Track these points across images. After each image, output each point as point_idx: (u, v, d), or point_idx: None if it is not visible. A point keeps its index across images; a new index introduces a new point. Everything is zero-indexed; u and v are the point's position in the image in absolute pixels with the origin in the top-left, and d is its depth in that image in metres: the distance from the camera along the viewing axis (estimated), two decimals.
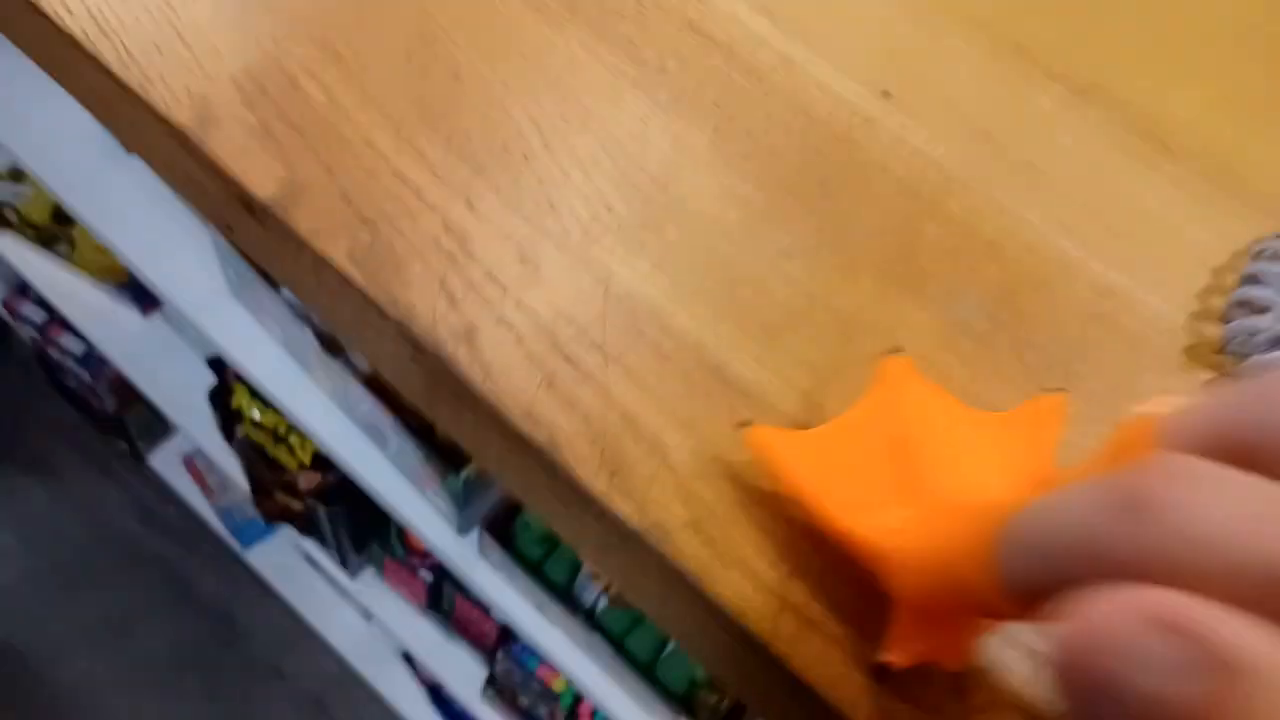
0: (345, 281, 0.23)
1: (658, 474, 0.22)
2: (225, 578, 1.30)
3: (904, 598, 0.19)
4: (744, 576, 0.21)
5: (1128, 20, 0.34)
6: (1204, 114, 0.32)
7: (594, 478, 0.22)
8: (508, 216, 0.25)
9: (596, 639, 0.63)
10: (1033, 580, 0.14)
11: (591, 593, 0.62)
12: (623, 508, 0.22)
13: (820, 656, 0.21)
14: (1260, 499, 0.12)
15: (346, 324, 0.25)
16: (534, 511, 0.25)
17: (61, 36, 0.26)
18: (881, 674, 0.20)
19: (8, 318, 1.27)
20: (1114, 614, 0.12)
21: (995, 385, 0.25)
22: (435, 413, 0.25)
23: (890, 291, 0.26)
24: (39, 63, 0.29)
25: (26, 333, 1.26)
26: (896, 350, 0.23)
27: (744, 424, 0.22)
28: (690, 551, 0.22)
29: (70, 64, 0.27)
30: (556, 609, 0.63)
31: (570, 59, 0.28)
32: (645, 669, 0.63)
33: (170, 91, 0.25)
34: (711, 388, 0.24)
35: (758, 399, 0.24)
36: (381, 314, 0.23)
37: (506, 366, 0.23)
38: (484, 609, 0.82)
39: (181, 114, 0.25)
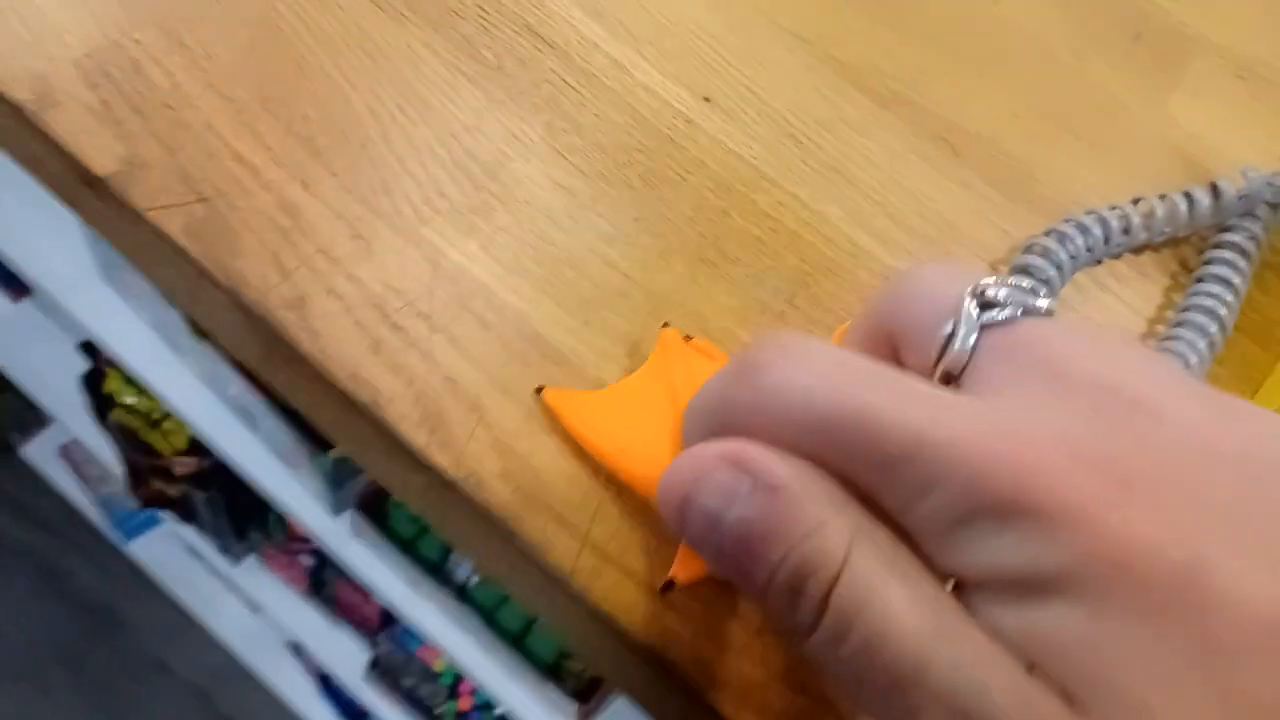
0: (180, 253, 0.25)
1: (475, 432, 0.25)
2: (105, 571, 1.26)
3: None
4: (549, 520, 0.24)
5: (934, 40, 0.38)
6: (995, 125, 0.36)
7: (414, 433, 0.24)
8: (342, 198, 0.27)
9: (468, 612, 0.65)
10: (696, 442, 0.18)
11: (463, 570, 0.64)
12: (440, 460, 0.24)
13: (614, 586, 0.24)
14: (832, 363, 0.16)
15: (184, 295, 0.27)
16: (364, 467, 0.27)
17: None
18: (667, 589, 0.23)
19: None
20: (695, 458, 0.16)
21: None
22: (274, 379, 0.27)
23: (700, 274, 0.29)
24: None
25: None
26: (667, 325, 0.26)
27: (539, 389, 0.25)
28: (501, 499, 0.24)
29: None
30: (429, 585, 0.65)
31: (411, 55, 0.30)
32: (515, 640, 0.66)
33: (10, 72, 0.26)
34: (530, 356, 0.26)
35: (574, 367, 0.26)
36: (215, 284, 0.25)
37: (335, 333, 0.25)
38: (364, 593, 0.83)
39: (21, 93, 0.26)
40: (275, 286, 0.25)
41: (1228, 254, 0.32)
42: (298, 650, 1.18)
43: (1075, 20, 0.42)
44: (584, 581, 0.23)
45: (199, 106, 0.27)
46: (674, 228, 0.30)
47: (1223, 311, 0.31)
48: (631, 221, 0.29)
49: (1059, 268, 0.30)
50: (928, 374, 0.17)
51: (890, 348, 0.19)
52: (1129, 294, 0.33)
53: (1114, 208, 0.33)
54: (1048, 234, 0.32)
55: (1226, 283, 0.32)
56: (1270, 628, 0.13)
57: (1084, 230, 0.32)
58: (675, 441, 0.23)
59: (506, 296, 0.27)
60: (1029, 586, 0.14)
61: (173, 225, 0.25)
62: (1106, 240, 0.32)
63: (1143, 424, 0.15)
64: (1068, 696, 0.14)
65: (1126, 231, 0.33)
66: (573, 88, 0.32)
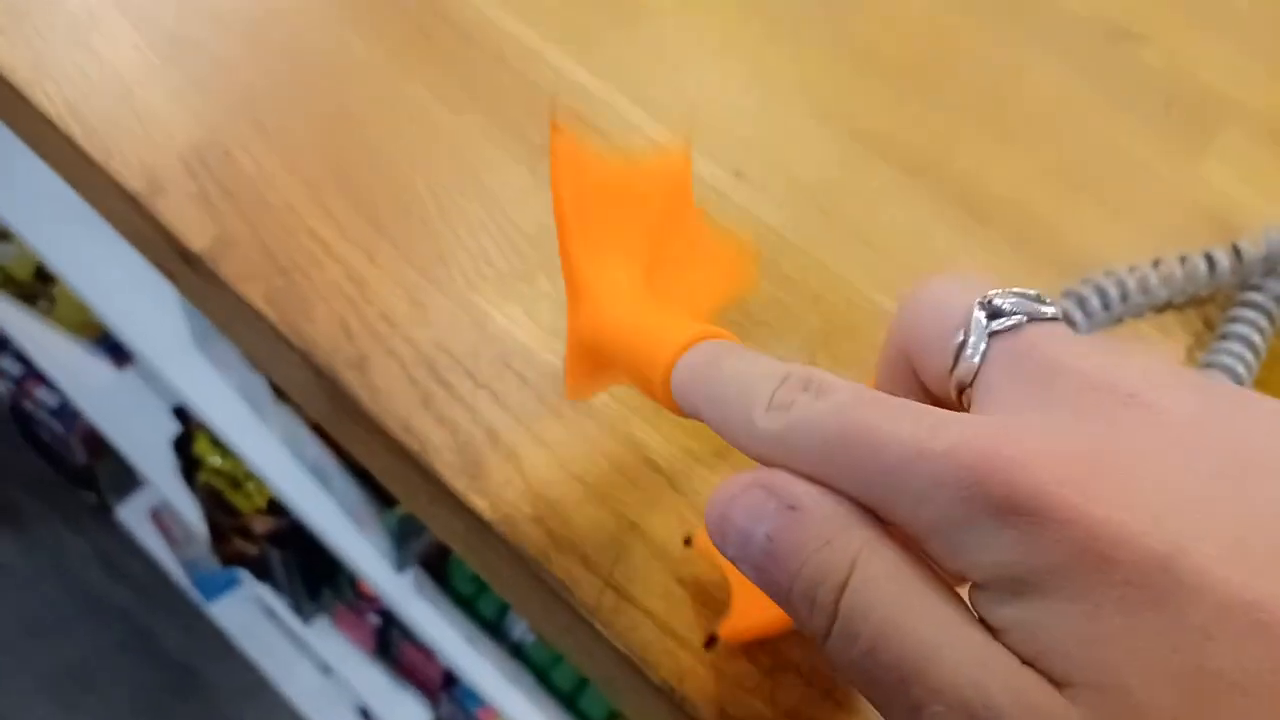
0: (261, 319, 0.28)
1: (511, 478, 0.27)
2: (188, 631, 1.31)
3: (577, 338, 0.22)
4: (575, 561, 0.26)
5: (959, 110, 0.40)
6: (1020, 189, 0.38)
7: (456, 480, 0.27)
8: (402, 268, 0.30)
9: (522, 670, 0.66)
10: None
11: (519, 629, 0.66)
12: (478, 504, 0.26)
13: (633, 625, 0.25)
14: (844, 393, 0.18)
15: (263, 356, 0.30)
16: (413, 511, 0.29)
17: (40, 117, 0.31)
18: (710, 644, 0.25)
19: None
20: (733, 484, 0.18)
21: None
22: (337, 432, 0.30)
23: None
24: (22, 137, 0.35)
25: (3, 385, 1.29)
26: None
27: (554, 126, 0.23)
28: (533, 541, 0.26)
29: (48, 140, 0.32)
30: (487, 643, 0.67)
31: (467, 138, 0.34)
32: (568, 700, 0.67)
33: (126, 164, 0.30)
34: (564, 411, 0.28)
35: (603, 421, 0.29)
36: (290, 346, 0.28)
37: (391, 389, 0.28)
38: (427, 653, 0.85)
39: (134, 183, 0.30)
40: (341, 348, 0.28)
41: (1250, 313, 0.33)
42: (365, 714, 1.20)
43: (1104, 89, 0.43)
44: (605, 619, 0.25)
45: (280, 189, 0.31)
46: None
47: (1241, 370, 0.31)
48: None
49: (1073, 326, 0.32)
50: (943, 386, 0.19)
51: (910, 366, 0.20)
52: (1151, 352, 0.34)
53: (1133, 269, 0.34)
54: (1065, 295, 0.33)
55: (1248, 341, 0.32)
56: (1241, 609, 0.14)
57: (1100, 291, 0.33)
58: (622, 253, 0.23)
59: (545, 355, 0.29)
60: (1023, 583, 0.15)
61: (255, 295, 0.28)
62: (1124, 300, 0.33)
63: (1135, 418, 0.16)
64: (1059, 685, 0.15)
65: (1145, 292, 0.34)
66: None
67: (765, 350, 0.31)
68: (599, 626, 0.25)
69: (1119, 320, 0.34)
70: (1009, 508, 0.15)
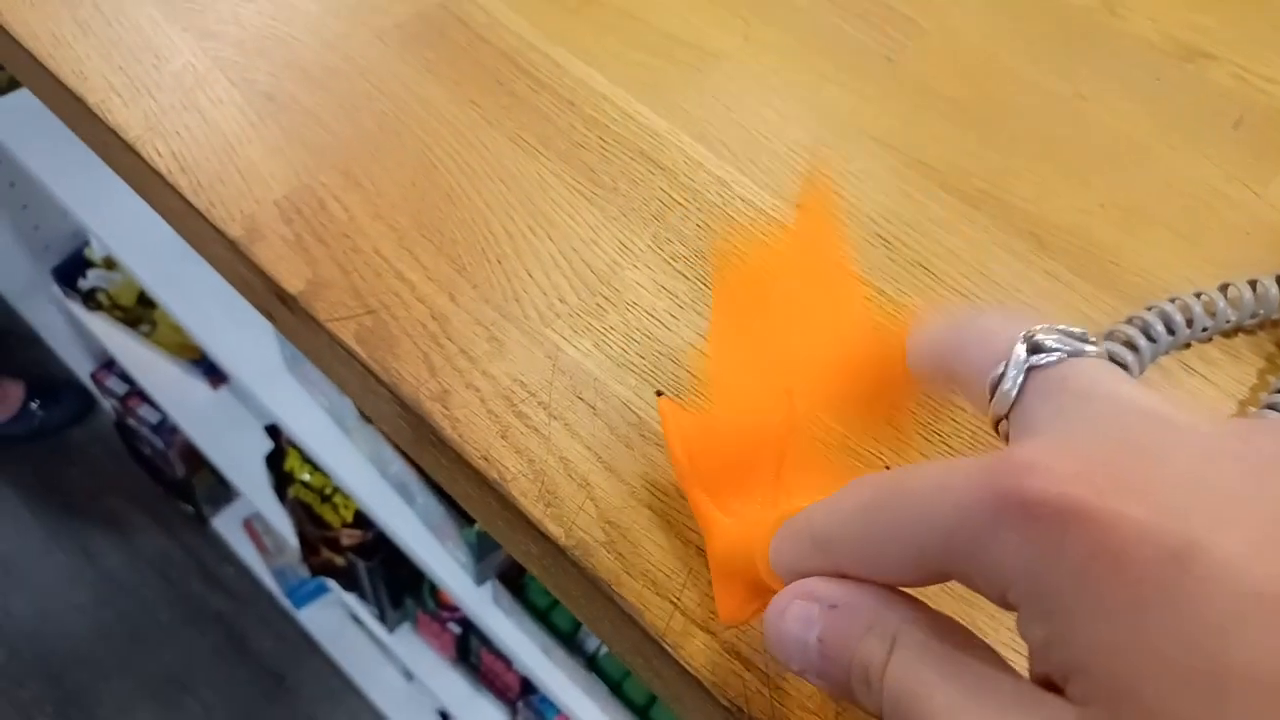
0: (351, 356, 0.31)
1: (584, 505, 0.29)
2: (278, 636, 1.37)
3: (713, 565, 0.25)
4: (645, 585, 0.27)
5: (1019, 139, 0.41)
6: (1082, 217, 0.38)
7: (533, 507, 0.28)
8: (480, 306, 0.32)
9: (596, 682, 0.68)
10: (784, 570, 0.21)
11: (593, 641, 0.67)
12: (553, 531, 0.28)
13: (701, 649, 0.27)
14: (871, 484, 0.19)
15: (354, 389, 0.32)
16: (492, 535, 0.31)
17: (151, 171, 0.34)
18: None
19: (94, 389, 1.39)
20: (779, 601, 0.20)
21: (867, 443, 0.31)
22: (421, 459, 0.32)
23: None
24: (132, 186, 0.38)
25: (109, 403, 1.37)
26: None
27: (659, 393, 0.28)
28: (605, 566, 0.28)
29: (156, 190, 0.35)
30: (561, 654, 0.69)
31: (541, 182, 0.36)
32: (641, 712, 0.69)
33: (228, 213, 0.33)
34: (633, 440, 0.30)
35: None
36: (378, 381, 0.30)
37: (471, 421, 0.30)
38: (505, 661, 0.87)
39: (235, 230, 0.32)
40: (425, 383, 0.30)
41: None
42: (445, 718, 1.23)
43: (1168, 111, 0.43)
44: (674, 641, 0.27)
45: (369, 234, 0.33)
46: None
47: None
48: None
49: (1137, 352, 0.32)
50: (981, 410, 0.20)
51: (949, 387, 0.21)
52: (1220, 376, 0.34)
53: (1199, 293, 0.34)
54: (1129, 321, 0.33)
55: None
56: (1258, 600, 0.14)
57: (1165, 316, 0.33)
58: (742, 487, 0.26)
59: (615, 387, 0.31)
60: (1048, 597, 0.15)
61: (346, 333, 0.31)
62: (1190, 325, 0.33)
63: (1155, 428, 0.16)
64: (1082, 705, 0.15)
65: (1212, 316, 0.34)
66: (678, 203, 0.36)
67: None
68: (668, 648, 0.27)
69: (1186, 345, 0.34)
70: (1027, 513, 0.15)
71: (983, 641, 0.18)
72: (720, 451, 0.27)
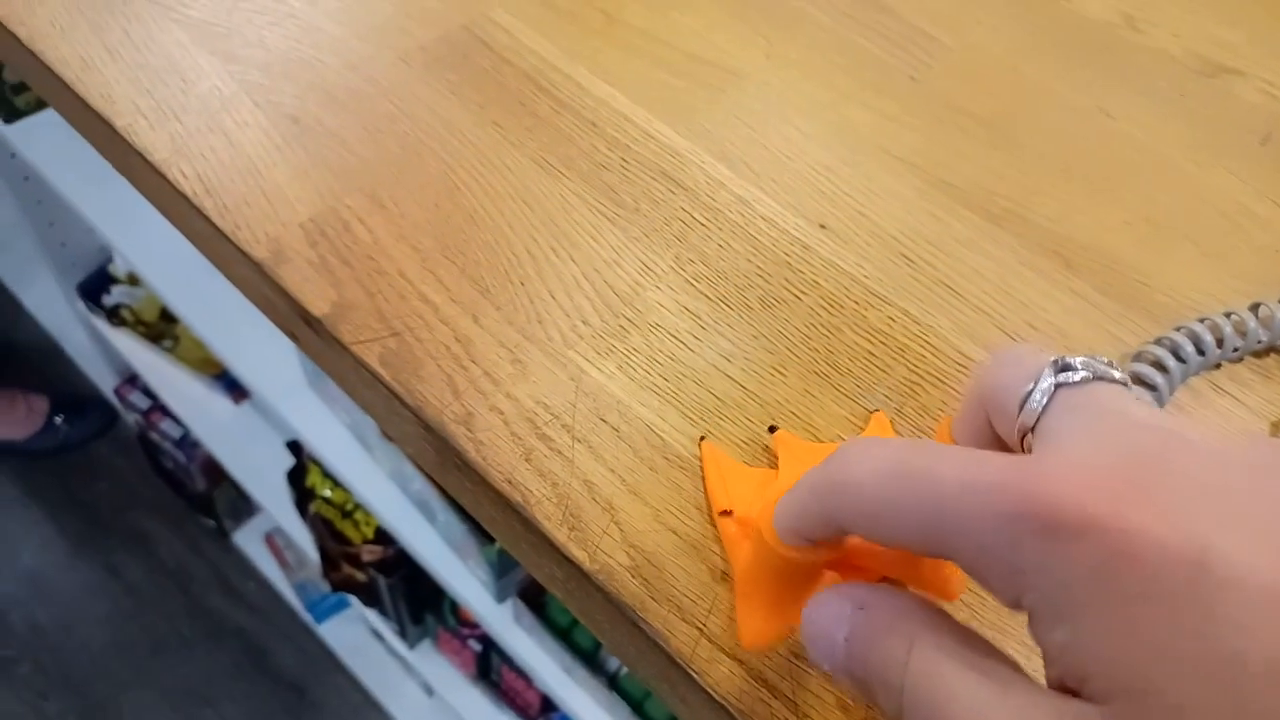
0: (376, 378, 0.31)
1: (608, 529, 0.28)
2: (299, 650, 1.37)
3: (736, 585, 0.25)
4: (671, 611, 0.27)
5: (1044, 157, 0.40)
6: (1108, 236, 0.38)
7: (557, 531, 0.28)
8: (504, 328, 0.32)
9: (617, 702, 0.68)
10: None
11: (614, 660, 0.67)
12: (578, 555, 0.28)
13: (727, 675, 0.26)
14: (896, 446, 0.19)
15: (378, 411, 0.32)
16: (515, 557, 0.31)
17: (177, 194, 0.35)
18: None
19: (118, 404, 1.40)
20: (816, 598, 0.20)
21: None
22: (444, 481, 0.32)
23: (812, 386, 0.32)
24: (158, 208, 0.38)
25: (132, 417, 1.38)
26: (774, 428, 0.30)
27: (702, 437, 0.29)
28: (630, 590, 0.27)
29: (181, 212, 0.36)
30: (583, 672, 0.69)
31: (563, 203, 0.36)
32: None
33: (254, 235, 0.33)
34: (657, 463, 0.30)
35: (695, 472, 0.30)
36: (402, 403, 0.30)
37: (495, 444, 0.30)
38: (526, 678, 0.87)
39: (260, 252, 0.33)
40: (449, 405, 0.30)
41: None
42: None
43: (1197, 129, 0.43)
44: (701, 668, 0.26)
45: (393, 256, 0.33)
46: (789, 344, 0.33)
47: None
48: (750, 339, 0.33)
49: (1167, 373, 0.32)
50: (1010, 432, 0.20)
51: (985, 419, 0.22)
52: (1250, 397, 0.33)
53: (1229, 313, 0.34)
54: (1157, 342, 0.33)
55: None
56: (1274, 596, 0.14)
57: (1194, 336, 0.32)
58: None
59: (638, 409, 0.31)
60: (1064, 602, 0.16)
61: (370, 356, 0.31)
62: (1220, 345, 0.33)
63: (1168, 444, 0.17)
64: (1101, 703, 0.15)
65: (1243, 336, 0.33)
66: (700, 223, 0.36)
67: (854, 402, 0.32)
68: (694, 674, 0.26)
69: (1216, 366, 0.34)
70: (1046, 525, 0.16)
71: (1002, 651, 0.18)
72: (757, 492, 0.28)
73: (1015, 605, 0.17)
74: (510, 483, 0.29)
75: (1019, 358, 0.21)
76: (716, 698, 0.26)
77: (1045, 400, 0.19)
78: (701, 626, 0.27)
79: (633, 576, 0.28)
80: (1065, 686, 0.16)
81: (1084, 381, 0.19)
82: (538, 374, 0.31)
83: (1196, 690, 0.14)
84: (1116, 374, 0.19)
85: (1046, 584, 0.16)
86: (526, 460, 0.29)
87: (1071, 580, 0.16)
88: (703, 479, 0.29)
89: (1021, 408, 0.20)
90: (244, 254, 0.33)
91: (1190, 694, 0.14)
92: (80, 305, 1.28)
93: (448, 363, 0.31)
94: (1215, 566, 0.15)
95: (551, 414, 0.30)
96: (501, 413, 0.30)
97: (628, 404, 0.31)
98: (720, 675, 0.26)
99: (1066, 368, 0.20)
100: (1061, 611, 0.16)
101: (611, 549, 0.28)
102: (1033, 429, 0.20)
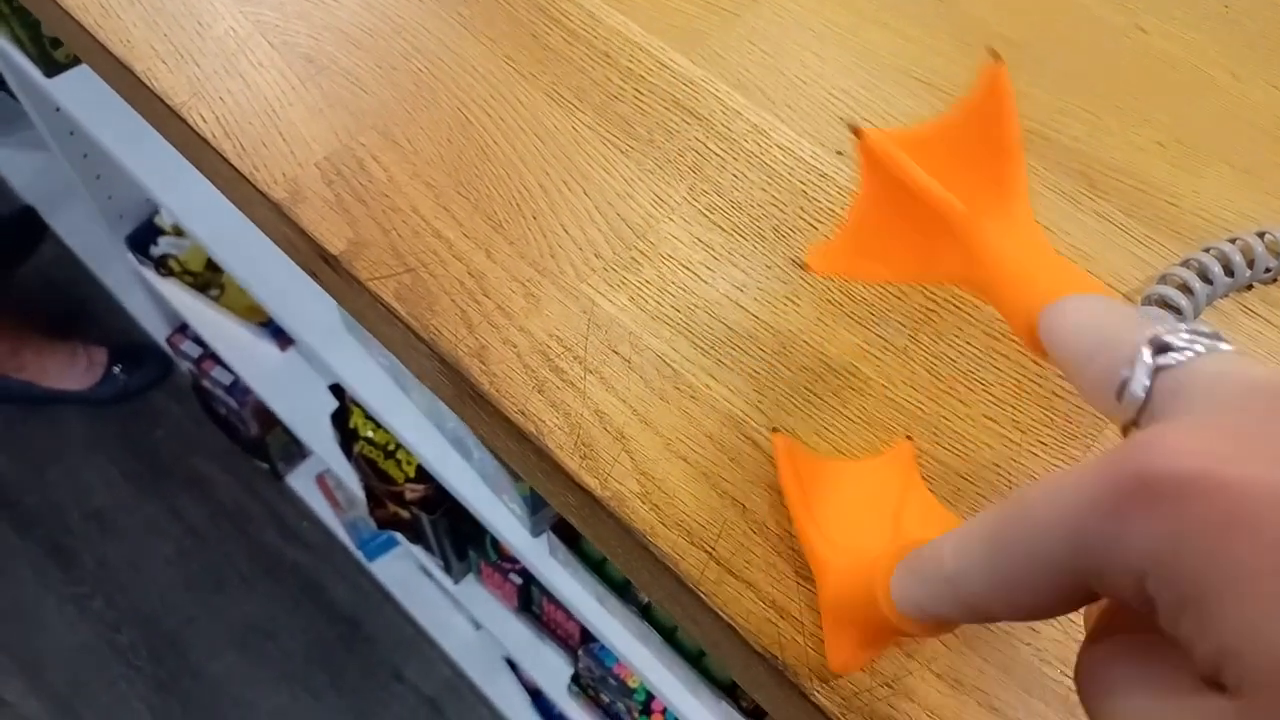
0: (392, 314, 0.31)
1: (619, 457, 0.29)
2: (353, 587, 1.42)
3: (825, 609, 0.25)
4: (680, 535, 0.28)
5: (1071, 77, 0.39)
6: (1137, 156, 0.37)
7: (569, 459, 0.29)
8: (517, 262, 0.32)
9: (649, 631, 0.69)
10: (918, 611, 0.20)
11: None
12: (589, 482, 0.28)
13: (735, 596, 0.27)
14: None
15: (396, 346, 0.33)
16: (531, 484, 0.32)
17: (197, 137, 0.35)
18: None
19: (170, 352, 1.45)
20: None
21: (907, 392, 0.31)
22: (461, 413, 0.33)
23: (825, 314, 0.32)
24: (181, 152, 0.39)
25: (185, 366, 1.42)
26: (910, 437, 0.29)
27: (774, 429, 0.29)
28: (640, 516, 0.28)
29: (203, 155, 0.36)
30: (615, 603, 0.70)
31: (576, 136, 0.36)
32: (694, 660, 0.70)
33: (272, 176, 0.34)
34: (668, 393, 0.30)
35: (705, 401, 0.30)
36: (418, 338, 0.31)
37: (508, 377, 0.30)
38: (565, 610, 0.89)
39: (278, 193, 0.33)
40: (463, 339, 0.31)
41: None
42: (512, 665, 1.27)
43: (1238, 40, 0.41)
44: (709, 590, 0.27)
45: (407, 193, 0.34)
46: (802, 273, 0.33)
47: None
48: (763, 269, 0.33)
49: (1192, 295, 0.31)
50: (1114, 421, 0.19)
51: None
52: None
53: (1262, 232, 0.33)
54: (1184, 263, 0.32)
55: None
56: None
57: (1223, 257, 0.32)
58: (854, 526, 0.26)
59: (649, 340, 0.31)
60: (1184, 581, 0.14)
61: (386, 291, 0.31)
62: (1251, 266, 0.32)
63: (1274, 400, 0.15)
64: (1235, 694, 0.14)
65: (1277, 255, 0.32)
66: (715, 153, 0.36)
67: (867, 329, 0.32)
68: (703, 596, 0.27)
69: (1247, 287, 0.33)
70: (1149, 491, 0.14)
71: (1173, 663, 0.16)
72: (836, 489, 0.27)
73: (1143, 600, 0.15)
74: (523, 414, 0.29)
75: (1109, 341, 0.19)
76: (725, 618, 0.27)
77: (1145, 388, 0.18)
78: (710, 550, 0.27)
79: (643, 503, 0.28)
80: (1215, 683, 0.14)
81: (1188, 361, 0.17)
82: (550, 307, 0.31)
83: None
84: (1224, 345, 0.17)
85: (1162, 562, 0.14)
86: (539, 392, 0.30)
87: (1186, 554, 0.14)
88: (776, 473, 0.28)
89: (1121, 397, 0.18)
90: (263, 195, 0.34)
91: None
92: (130, 257, 1.31)
93: (461, 297, 0.31)
94: None
95: (564, 346, 0.31)
96: (514, 346, 0.31)
97: (639, 335, 0.31)
98: (728, 596, 0.27)
99: (1165, 348, 0.18)
100: (1182, 592, 0.14)
101: (622, 476, 0.29)
102: (1136, 421, 0.18)
